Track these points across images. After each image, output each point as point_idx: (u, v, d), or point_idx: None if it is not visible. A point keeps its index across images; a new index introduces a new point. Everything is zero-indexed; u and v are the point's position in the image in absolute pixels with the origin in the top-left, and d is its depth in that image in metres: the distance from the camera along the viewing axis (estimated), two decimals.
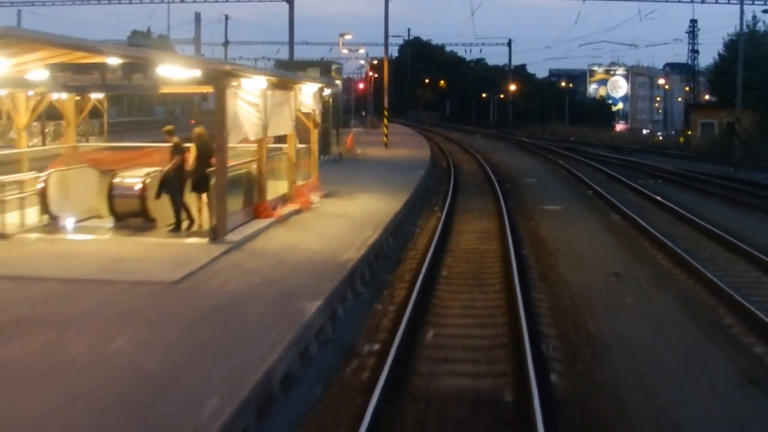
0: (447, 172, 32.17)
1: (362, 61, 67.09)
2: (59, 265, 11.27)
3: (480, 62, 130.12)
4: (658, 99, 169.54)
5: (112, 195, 13.81)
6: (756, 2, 45.43)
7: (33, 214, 14.26)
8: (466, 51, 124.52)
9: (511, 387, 8.14)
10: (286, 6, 41.69)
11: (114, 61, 12.96)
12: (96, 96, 22.45)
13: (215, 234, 12.67)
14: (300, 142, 18.18)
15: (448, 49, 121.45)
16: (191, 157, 13.45)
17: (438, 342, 9.74)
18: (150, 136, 38.91)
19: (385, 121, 41.30)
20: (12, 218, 13.75)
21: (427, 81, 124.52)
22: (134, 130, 55.97)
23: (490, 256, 15.09)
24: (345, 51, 56.47)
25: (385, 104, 41.39)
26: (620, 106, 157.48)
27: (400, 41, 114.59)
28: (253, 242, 13.27)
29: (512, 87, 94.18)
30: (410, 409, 7.60)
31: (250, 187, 14.88)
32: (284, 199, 16.62)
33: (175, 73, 12.80)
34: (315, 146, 19.37)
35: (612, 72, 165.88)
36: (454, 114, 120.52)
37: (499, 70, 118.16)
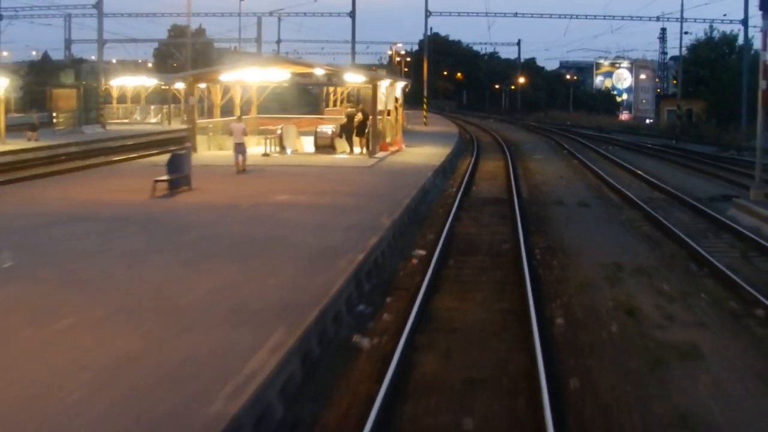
0: (471, 140, 46.49)
1: (398, 58, 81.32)
2: (309, 163, 25.48)
3: (493, 56, 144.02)
4: (658, 90, 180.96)
5: (316, 136, 28.08)
6: (697, 21, 59.49)
7: (270, 147, 28.51)
8: (481, 48, 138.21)
9: (507, 195, 22.42)
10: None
11: (320, 71, 27.20)
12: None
13: (371, 154, 27.00)
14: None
15: (464, 44, 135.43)
16: (357, 118, 27.63)
17: (478, 189, 24.10)
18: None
19: (425, 106, 55.69)
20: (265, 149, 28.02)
21: (445, 73, 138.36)
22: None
23: (499, 173, 29.37)
24: (389, 52, 70.69)
25: (425, 94, 55.75)
26: (624, 97, 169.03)
27: (421, 36, 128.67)
28: (387, 159, 27.61)
29: (521, 80, 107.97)
30: (471, 198, 21.91)
31: (378, 135, 29.13)
32: (390, 144, 30.91)
33: (351, 78, 27.06)
34: (401, 117, 33.74)
35: (617, 65, 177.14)
36: (469, 103, 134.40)
37: (511, 63, 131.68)
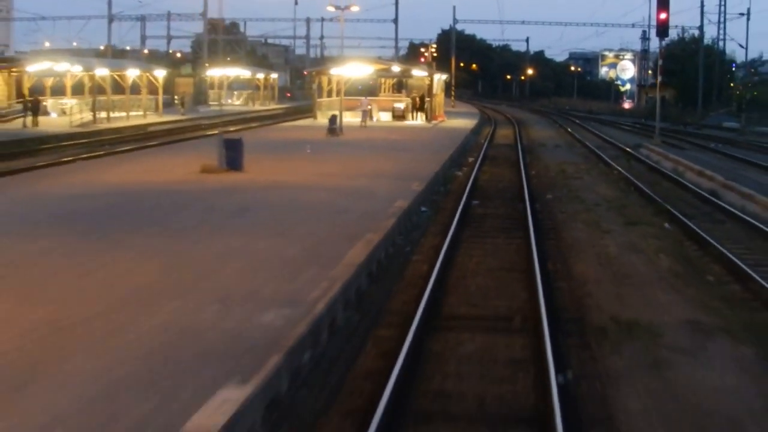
0: (489, 118, 62.24)
1: (427, 53, 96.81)
2: (394, 126, 41.17)
3: (505, 48, 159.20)
4: (658, 80, 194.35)
5: (394, 109, 43.73)
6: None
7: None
8: (494, 42, 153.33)
9: (514, 143, 38.17)
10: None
11: (397, 68, 42.84)
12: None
13: (428, 120, 42.74)
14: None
15: (478, 38, 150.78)
16: (418, 99, 43.26)
17: (497, 140, 39.95)
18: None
19: (453, 92, 71.45)
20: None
21: (462, 64, 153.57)
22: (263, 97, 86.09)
23: (510, 134, 45.12)
24: (423, 51, 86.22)
25: (452, 83, 71.40)
26: (628, 87, 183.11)
27: (436, 31, 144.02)
28: (438, 125, 43.37)
29: (529, 71, 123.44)
30: (493, 143, 37.76)
31: (432, 110, 44.76)
32: (438, 116, 46.57)
33: (416, 73, 42.70)
34: (442, 99, 49.44)
35: (621, 56, 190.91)
36: (484, 91, 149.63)
37: (521, 55, 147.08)
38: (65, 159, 27.18)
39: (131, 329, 7.71)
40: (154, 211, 14.72)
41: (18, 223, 13.42)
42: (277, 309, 8.36)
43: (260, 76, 74.14)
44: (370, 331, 9.22)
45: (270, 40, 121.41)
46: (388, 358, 8.03)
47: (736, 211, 17.73)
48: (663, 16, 35.08)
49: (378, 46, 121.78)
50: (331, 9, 50.13)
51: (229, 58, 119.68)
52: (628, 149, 35.38)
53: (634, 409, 7.21)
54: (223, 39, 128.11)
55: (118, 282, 9.48)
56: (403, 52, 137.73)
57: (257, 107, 69.77)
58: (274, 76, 76.90)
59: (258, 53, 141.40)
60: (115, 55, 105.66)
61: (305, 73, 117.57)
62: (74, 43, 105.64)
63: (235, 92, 76.04)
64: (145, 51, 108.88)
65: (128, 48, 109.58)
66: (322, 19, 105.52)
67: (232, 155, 20.78)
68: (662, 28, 35.18)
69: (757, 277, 11.46)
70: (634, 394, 7.55)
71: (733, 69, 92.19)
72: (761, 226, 15.68)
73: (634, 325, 9.48)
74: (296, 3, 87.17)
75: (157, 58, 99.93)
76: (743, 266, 12.19)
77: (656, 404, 7.32)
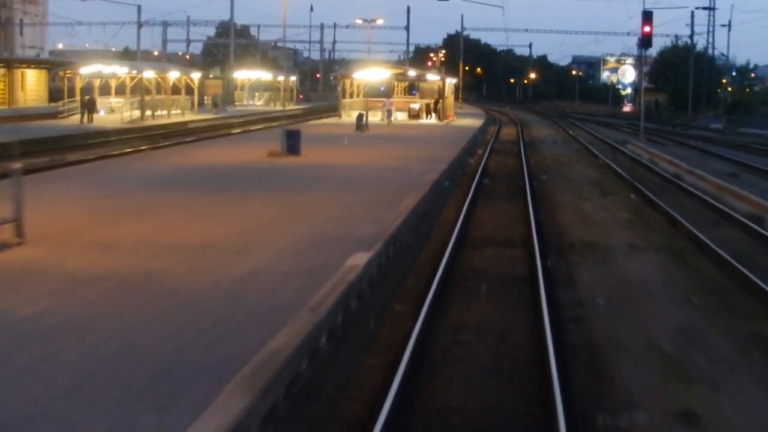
0: (494, 119, 67.49)
1: (435, 58, 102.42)
2: (411, 123, 46.41)
3: (509, 52, 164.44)
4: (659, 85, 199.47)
5: (409, 109, 48.94)
6: (656, 35, 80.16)
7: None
8: (498, 47, 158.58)
9: (517, 139, 43.43)
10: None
11: (412, 73, 48.08)
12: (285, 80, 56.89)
13: (441, 119, 47.98)
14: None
15: (483, 42, 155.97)
16: (433, 103, 48.48)
17: (502, 137, 45.20)
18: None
19: (460, 95, 76.71)
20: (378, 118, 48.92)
21: (467, 68, 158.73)
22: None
23: (513, 132, 50.38)
24: (432, 55, 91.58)
25: (460, 87, 76.71)
26: (629, 90, 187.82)
27: (441, 34, 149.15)
28: (449, 123, 48.67)
29: (532, 75, 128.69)
30: (498, 139, 43.01)
31: (444, 110, 49.99)
32: (448, 116, 51.81)
33: (430, 77, 47.95)
34: (452, 101, 54.68)
35: (622, 61, 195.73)
36: (488, 94, 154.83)
37: (525, 59, 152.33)
38: (135, 148, 32.35)
39: (285, 233, 12.91)
40: (250, 179, 19.95)
41: (154, 185, 18.61)
42: (369, 225, 13.57)
43: (281, 78, 79.31)
44: (423, 245, 14.43)
45: (280, 44, 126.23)
46: (438, 257, 13.19)
47: (689, 187, 22.92)
48: (647, 29, 40.10)
49: (387, 50, 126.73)
50: (359, 21, 55.31)
51: (235, 61, 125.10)
52: (615, 145, 40.55)
53: (585, 278, 12.39)
54: (238, 43, 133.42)
55: (258, 215, 14.69)
56: (408, 55, 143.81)
57: (278, 108, 74.90)
58: (293, 78, 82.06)
59: (269, 56, 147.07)
60: (131, 57, 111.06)
61: (317, 76, 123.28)
62: (86, 45, 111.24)
63: (256, 93, 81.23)
64: (155, 53, 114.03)
65: (135, 50, 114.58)
66: (335, 25, 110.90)
67: (292, 142, 25.99)
68: (645, 40, 40.28)
69: (685, 222, 16.63)
70: (586, 272, 12.75)
71: (734, 74, 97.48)
72: (701, 195, 20.92)
73: (593, 244, 14.69)
74: (312, 9, 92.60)
75: (167, 60, 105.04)
76: (678, 217, 17.35)
77: (599, 276, 12.51)
